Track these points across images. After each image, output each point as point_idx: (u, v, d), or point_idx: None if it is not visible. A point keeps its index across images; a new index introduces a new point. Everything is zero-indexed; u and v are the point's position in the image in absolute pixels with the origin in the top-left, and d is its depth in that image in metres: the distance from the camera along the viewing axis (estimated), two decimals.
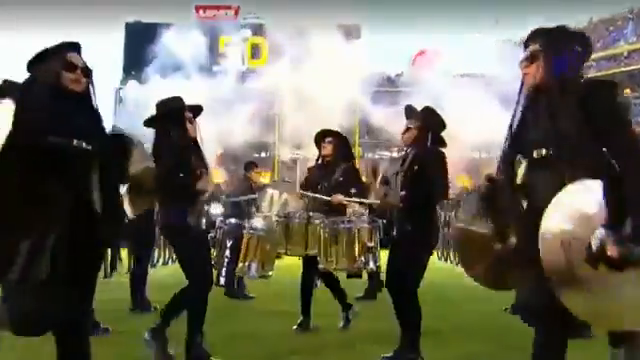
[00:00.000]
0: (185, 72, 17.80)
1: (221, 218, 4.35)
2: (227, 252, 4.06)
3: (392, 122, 18.25)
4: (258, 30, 31.10)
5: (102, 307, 5.37)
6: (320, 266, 4.45)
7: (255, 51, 31.12)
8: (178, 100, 3.83)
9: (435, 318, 4.02)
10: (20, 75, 2.73)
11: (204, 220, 3.83)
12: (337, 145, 5.03)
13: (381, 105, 19.34)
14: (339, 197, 4.78)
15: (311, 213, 4.74)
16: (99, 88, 2.76)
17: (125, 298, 6.06)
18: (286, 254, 4.78)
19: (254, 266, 4.07)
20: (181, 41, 19.94)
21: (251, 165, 7.71)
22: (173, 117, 3.74)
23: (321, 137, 5.11)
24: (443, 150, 3.91)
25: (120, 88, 29.26)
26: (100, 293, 3.48)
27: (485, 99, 15.68)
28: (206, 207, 3.98)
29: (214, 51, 29.47)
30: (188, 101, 3.91)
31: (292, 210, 4.66)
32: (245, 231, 4.09)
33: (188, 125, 3.75)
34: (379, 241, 4.29)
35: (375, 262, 4.30)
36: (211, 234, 4.03)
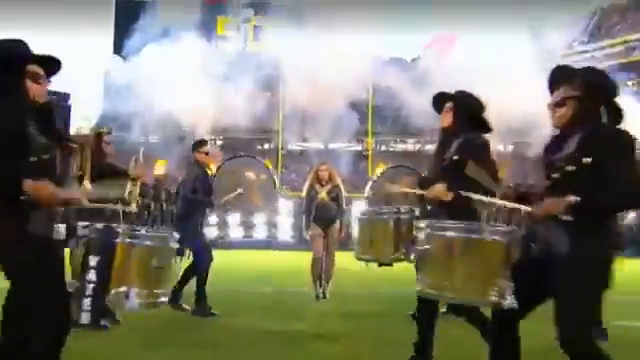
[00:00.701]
0: (179, 41, 16.31)
1: (83, 224, 2.85)
2: (91, 274, 2.56)
3: (409, 108, 16.99)
4: (261, 9, 29.61)
5: None
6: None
7: (258, 32, 29.60)
8: (19, 44, 2.56)
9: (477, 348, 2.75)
10: None
11: (61, 227, 2.50)
12: (458, 112, 3.67)
13: (397, 90, 17.99)
14: (438, 187, 3.42)
15: (402, 208, 3.45)
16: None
17: None
18: (376, 261, 3.66)
19: (134, 292, 2.47)
20: (175, 11, 18.61)
21: (199, 144, 6.04)
22: (8, 68, 2.47)
23: (439, 103, 3.76)
24: (622, 129, 2.48)
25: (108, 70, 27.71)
26: None
27: (510, 85, 14.39)
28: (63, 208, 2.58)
29: (213, 33, 28.01)
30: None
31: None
32: (119, 240, 2.47)
33: (30, 84, 2.50)
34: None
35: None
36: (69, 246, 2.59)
